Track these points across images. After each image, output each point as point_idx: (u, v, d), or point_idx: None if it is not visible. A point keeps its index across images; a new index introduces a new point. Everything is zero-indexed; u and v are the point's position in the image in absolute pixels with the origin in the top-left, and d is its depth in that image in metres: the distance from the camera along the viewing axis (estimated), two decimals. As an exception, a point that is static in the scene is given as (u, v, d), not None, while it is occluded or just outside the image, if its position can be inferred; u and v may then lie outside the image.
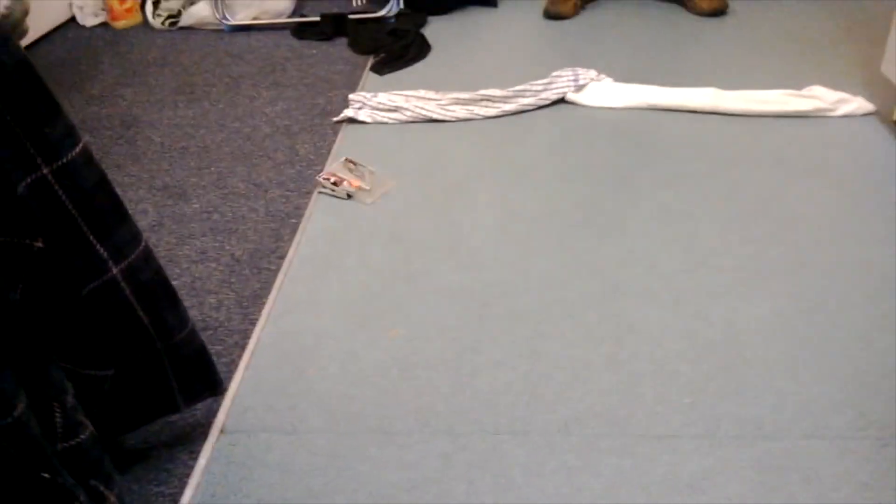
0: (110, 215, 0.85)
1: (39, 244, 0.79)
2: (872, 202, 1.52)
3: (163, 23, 2.77)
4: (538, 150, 1.80)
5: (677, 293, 1.33)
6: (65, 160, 0.79)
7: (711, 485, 1.00)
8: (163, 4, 2.79)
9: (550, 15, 2.57)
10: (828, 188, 1.57)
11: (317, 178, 1.64)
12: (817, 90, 1.87)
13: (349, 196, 1.61)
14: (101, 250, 0.83)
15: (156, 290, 0.90)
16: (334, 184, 1.60)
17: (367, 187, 1.58)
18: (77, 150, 0.80)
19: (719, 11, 2.46)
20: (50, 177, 0.77)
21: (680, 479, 1.01)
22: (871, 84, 1.92)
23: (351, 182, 1.58)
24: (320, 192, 1.66)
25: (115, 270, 0.84)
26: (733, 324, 1.25)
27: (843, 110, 1.83)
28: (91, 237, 0.82)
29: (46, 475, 0.69)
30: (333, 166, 1.68)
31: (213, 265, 1.50)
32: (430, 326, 1.30)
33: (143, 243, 0.89)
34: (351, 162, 1.63)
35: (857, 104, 1.83)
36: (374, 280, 1.42)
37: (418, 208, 1.61)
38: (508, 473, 1.04)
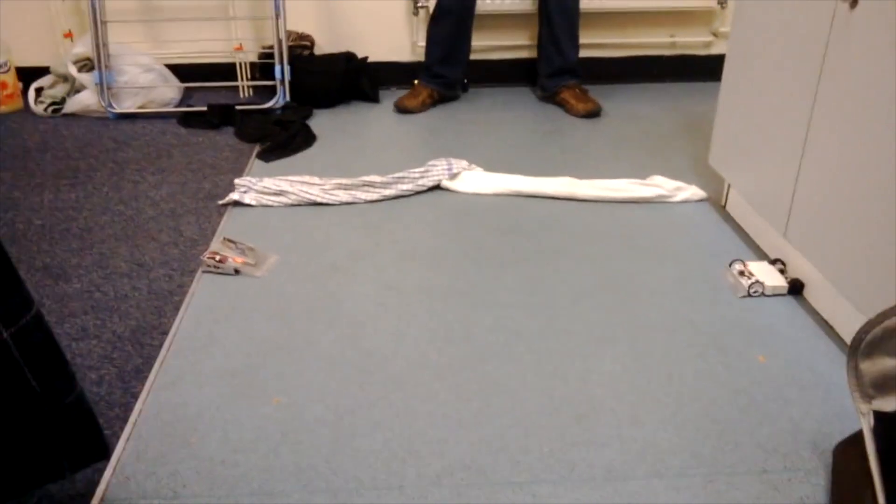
0: (1, 282, 0.89)
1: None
2: (703, 275, 1.74)
3: (45, 109, 2.79)
4: (415, 231, 1.94)
5: (537, 355, 1.47)
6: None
7: (567, 523, 1.11)
8: (46, 91, 2.81)
9: (399, 109, 2.79)
10: (665, 262, 1.79)
11: (201, 257, 1.70)
12: (658, 179, 2.13)
13: (236, 272, 1.68)
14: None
15: (45, 353, 0.94)
16: (220, 261, 1.66)
17: (253, 262, 1.65)
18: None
19: (593, 113, 2.74)
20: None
21: (539, 519, 1.12)
22: (702, 174, 2.20)
23: (235, 259, 1.65)
24: (205, 272, 1.72)
25: (5, 334, 0.88)
26: (586, 380, 1.40)
27: (680, 196, 2.09)
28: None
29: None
30: (214, 246, 1.76)
31: (94, 342, 1.52)
32: (311, 393, 1.37)
33: (34, 308, 0.93)
34: (230, 241, 1.71)
35: (692, 191, 2.10)
36: (256, 352, 1.48)
37: (300, 284, 1.70)
38: (384, 524, 1.11)
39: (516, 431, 1.28)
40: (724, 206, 2.05)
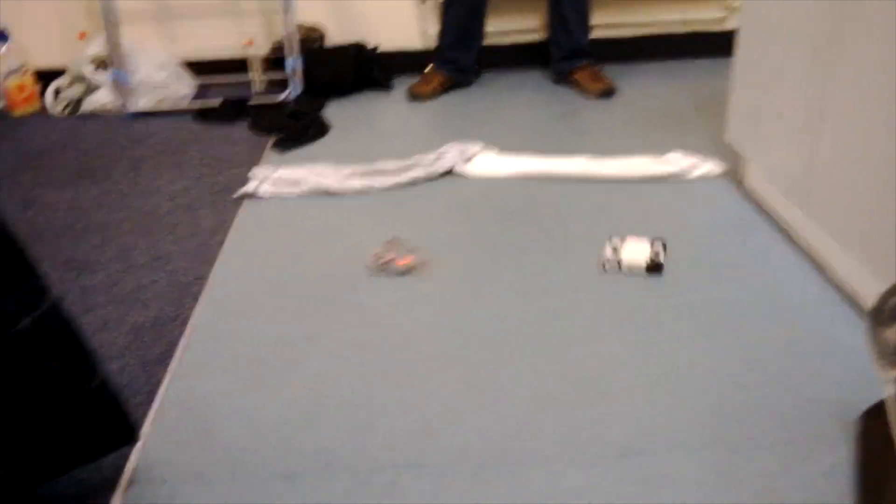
0: (15, 270, 0.90)
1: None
2: (721, 250, 1.72)
3: (63, 110, 2.82)
4: (429, 217, 1.94)
5: (551, 337, 1.46)
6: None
7: (584, 499, 1.11)
8: (63, 92, 2.84)
9: (411, 96, 2.78)
10: (684, 239, 1.77)
11: (369, 261, 1.66)
12: (674, 156, 2.11)
13: (403, 274, 1.64)
14: (9, 303, 0.88)
15: (65, 340, 0.95)
16: (385, 263, 1.64)
17: (419, 263, 1.63)
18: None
19: (607, 93, 2.72)
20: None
21: (557, 496, 1.11)
22: (720, 150, 2.17)
23: (399, 261, 1.63)
24: (371, 275, 1.67)
25: (24, 322, 0.90)
26: (603, 360, 1.39)
27: (696, 173, 2.06)
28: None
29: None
30: (378, 248, 1.72)
31: (116, 333, 1.53)
32: (331, 379, 1.38)
33: (50, 297, 0.95)
34: (394, 241, 1.68)
35: (709, 167, 2.08)
36: (276, 339, 1.49)
37: (318, 271, 1.71)
38: (406, 503, 1.12)
39: (533, 412, 1.28)
40: (742, 182, 2.02)
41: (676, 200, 1.96)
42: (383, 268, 1.61)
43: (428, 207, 1.99)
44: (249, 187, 2.08)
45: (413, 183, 2.12)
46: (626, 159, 2.11)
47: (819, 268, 1.63)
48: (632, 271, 1.63)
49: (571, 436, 1.22)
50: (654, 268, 1.63)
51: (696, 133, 2.36)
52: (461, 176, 2.16)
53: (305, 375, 1.39)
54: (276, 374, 1.39)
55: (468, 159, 2.18)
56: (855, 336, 1.41)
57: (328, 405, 1.31)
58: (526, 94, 2.81)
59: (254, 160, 2.33)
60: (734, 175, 2.06)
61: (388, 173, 2.13)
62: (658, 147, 2.21)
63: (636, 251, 1.67)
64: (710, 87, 2.77)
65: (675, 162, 2.08)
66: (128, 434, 1.09)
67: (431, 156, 2.18)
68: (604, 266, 1.63)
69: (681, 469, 1.15)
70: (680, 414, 1.25)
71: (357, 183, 2.10)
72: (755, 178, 1.95)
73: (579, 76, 2.77)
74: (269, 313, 1.57)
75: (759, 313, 1.49)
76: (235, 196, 2.08)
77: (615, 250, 1.66)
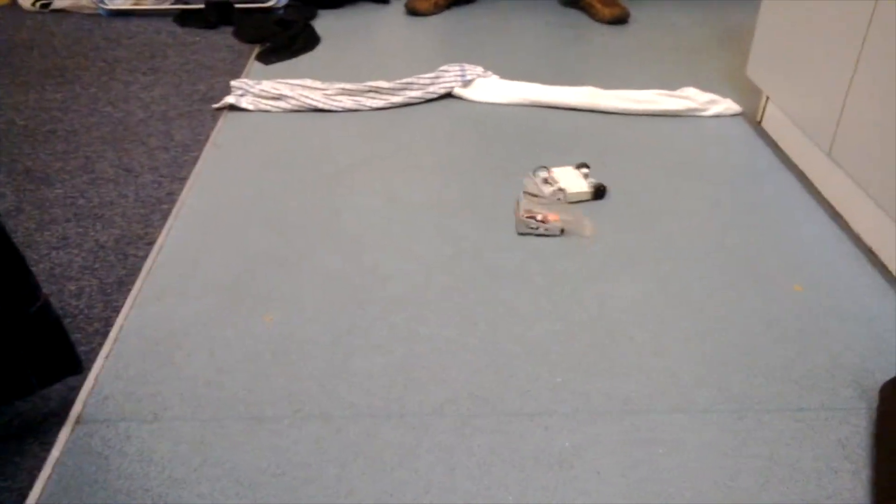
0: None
1: None
2: (736, 195, 1.60)
3: (33, 4, 2.61)
4: (423, 142, 1.80)
5: (552, 277, 1.35)
6: None
7: (581, 458, 1.01)
8: (33, -16, 2.63)
9: (409, 11, 2.60)
10: (695, 181, 1.65)
11: (521, 217, 1.44)
12: (690, 91, 1.96)
13: (562, 231, 1.44)
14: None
15: (1, 259, 0.83)
16: (542, 221, 1.43)
17: (572, 219, 1.43)
18: None
19: (620, 19, 2.54)
20: None
21: (551, 454, 1.02)
22: (738, 87, 2.03)
23: (553, 217, 1.43)
24: (522, 234, 1.46)
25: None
26: (604, 306, 1.28)
27: (713, 110, 1.92)
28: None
29: None
30: (523, 203, 1.49)
31: (75, 251, 1.41)
32: (306, 311, 1.27)
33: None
34: (530, 194, 1.48)
35: (726, 105, 1.93)
36: (249, 265, 1.37)
37: (299, 194, 1.58)
38: (381, 455, 1.02)
39: (527, 359, 1.17)
40: (760, 122, 1.88)
41: (689, 138, 1.82)
42: (539, 226, 1.42)
43: (423, 129, 1.85)
44: (230, 99, 1.92)
45: (407, 104, 1.97)
46: (637, 92, 1.96)
47: (836, 216, 1.51)
48: (578, 199, 1.56)
49: (569, 387, 1.12)
50: (600, 192, 1.57)
51: (713, 68, 2.20)
52: (460, 99, 2.01)
53: (280, 306, 1.27)
54: (248, 304, 1.28)
55: (468, 82, 2.02)
56: (877, 297, 1.31)
57: (303, 341, 1.20)
58: (533, 16, 2.63)
59: (237, 69, 2.16)
60: (751, 115, 1.92)
61: (381, 92, 1.97)
62: (673, 80, 2.06)
63: (572, 179, 1.58)
64: (731, 19, 2.60)
65: (690, 97, 1.94)
66: (72, 364, 0.98)
67: (429, 76, 2.02)
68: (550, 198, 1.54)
69: (684, 431, 1.05)
70: (687, 370, 1.15)
71: (347, 101, 1.94)
72: (774, 118, 1.81)
73: (591, -1, 2.58)
74: (242, 237, 1.44)
75: (773, 265, 1.38)
76: (214, 108, 1.93)
77: (547, 181, 1.57)
